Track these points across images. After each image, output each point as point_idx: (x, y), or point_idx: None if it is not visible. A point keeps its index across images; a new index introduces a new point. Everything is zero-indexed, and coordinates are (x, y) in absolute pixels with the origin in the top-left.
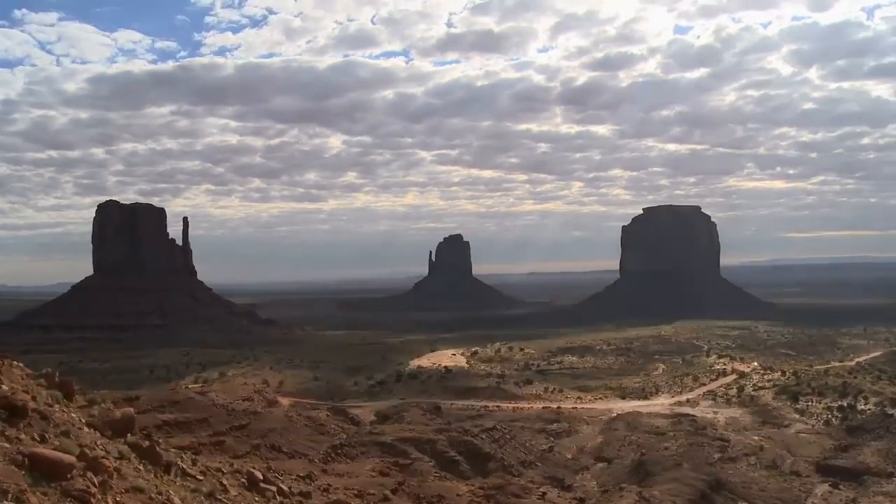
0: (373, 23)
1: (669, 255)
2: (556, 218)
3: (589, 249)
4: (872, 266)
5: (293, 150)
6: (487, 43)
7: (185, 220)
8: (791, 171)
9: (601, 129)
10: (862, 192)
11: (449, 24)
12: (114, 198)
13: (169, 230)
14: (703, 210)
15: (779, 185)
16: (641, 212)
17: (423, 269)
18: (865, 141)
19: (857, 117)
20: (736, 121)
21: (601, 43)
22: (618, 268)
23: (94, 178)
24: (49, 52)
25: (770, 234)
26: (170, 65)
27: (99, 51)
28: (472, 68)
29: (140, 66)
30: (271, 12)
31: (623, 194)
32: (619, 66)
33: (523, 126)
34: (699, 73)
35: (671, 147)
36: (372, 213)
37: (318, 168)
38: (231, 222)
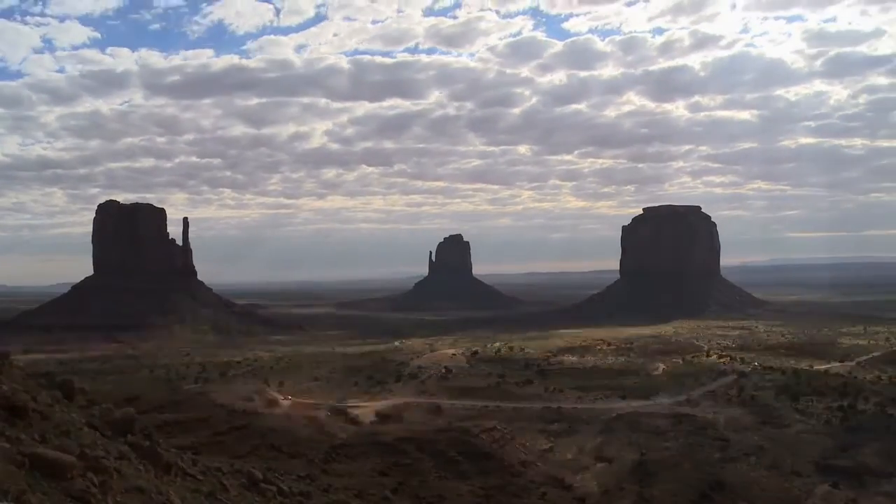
0: None
1: (669, 255)
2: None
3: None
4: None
5: None
6: None
7: (185, 220)
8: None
9: None
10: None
11: None
12: (114, 198)
13: (169, 230)
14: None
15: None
16: (641, 212)
17: (423, 269)
18: None
19: None
20: None
21: None
22: (618, 268)
23: None
24: None
25: (771, 234)
26: None
27: None
28: None
29: None
30: None
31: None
32: None
33: None
34: None
35: None
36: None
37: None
38: (228, 222)
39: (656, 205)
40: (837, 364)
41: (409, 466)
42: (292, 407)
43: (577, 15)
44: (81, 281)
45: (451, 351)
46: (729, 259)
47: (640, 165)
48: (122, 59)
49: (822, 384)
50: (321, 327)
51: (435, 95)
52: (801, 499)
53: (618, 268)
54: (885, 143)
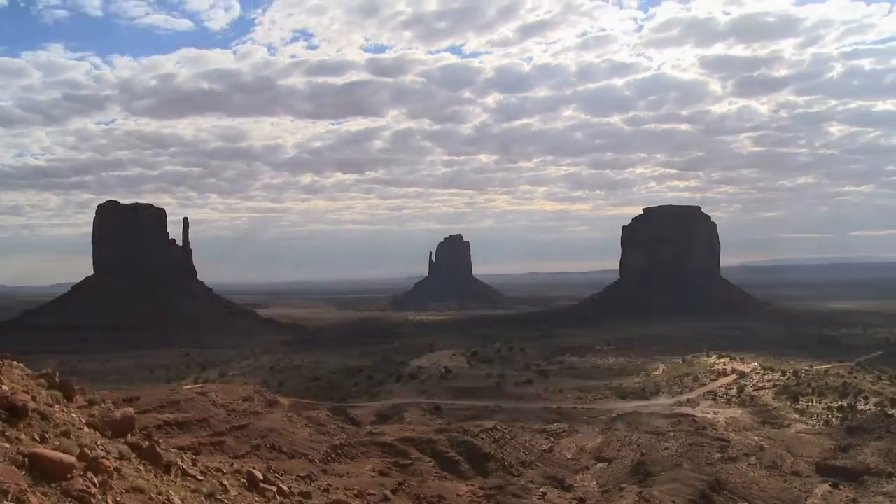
0: None
1: (669, 256)
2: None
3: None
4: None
5: None
6: None
7: (185, 220)
8: None
9: None
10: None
11: None
12: (113, 198)
13: (169, 230)
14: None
15: None
16: (642, 212)
17: (423, 270)
18: None
19: None
20: None
21: None
22: (618, 268)
23: None
24: None
25: (771, 234)
26: None
27: None
28: None
29: None
30: None
31: None
32: None
33: None
34: None
35: None
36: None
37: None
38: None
39: (656, 205)
40: (837, 364)
41: (409, 466)
42: (292, 407)
43: (490, 52)
44: (81, 281)
45: (451, 351)
46: (729, 259)
47: (606, 171)
48: None
49: (821, 384)
50: (321, 327)
51: (393, 113)
52: (800, 499)
53: (611, 268)
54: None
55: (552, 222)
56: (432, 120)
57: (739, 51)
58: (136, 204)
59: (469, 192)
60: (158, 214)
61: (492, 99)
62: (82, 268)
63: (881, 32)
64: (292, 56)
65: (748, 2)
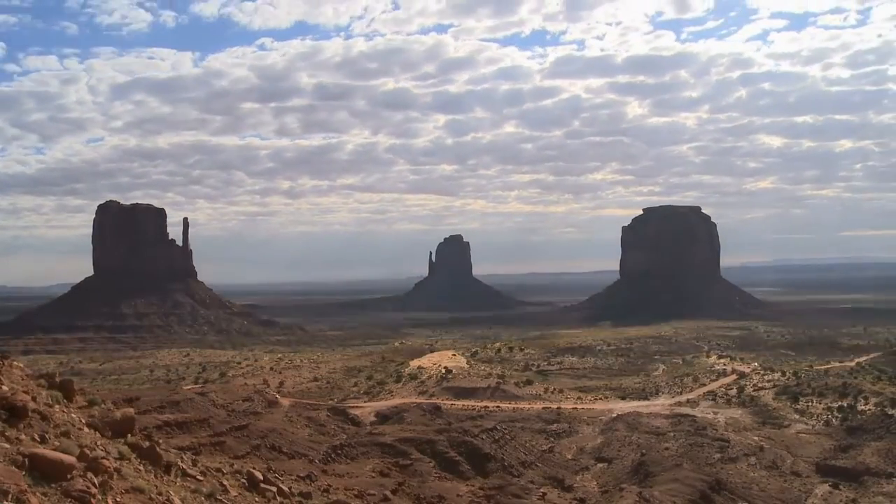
0: None
1: (669, 255)
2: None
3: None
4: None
5: None
6: None
7: (186, 220)
8: None
9: None
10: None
11: None
12: (114, 198)
13: (169, 230)
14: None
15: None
16: (642, 212)
17: (424, 270)
18: None
19: None
20: None
21: None
22: (618, 268)
23: None
24: None
25: (772, 234)
26: None
27: None
28: None
29: None
30: None
31: None
32: None
33: None
34: None
35: None
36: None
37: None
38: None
39: (656, 205)
40: (837, 364)
41: (409, 467)
42: (292, 407)
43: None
44: (81, 281)
45: (451, 351)
46: (729, 259)
47: (567, 178)
48: None
49: (822, 384)
50: (322, 328)
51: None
52: (800, 499)
53: (607, 268)
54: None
55: (538, 224)
56: (389, 135)
57: (642, 79)
58: (136, 204)
59: (444, 197)
60: (158, 214)
61: (439, 117)
62: (82, 268)
63: (761, 66)
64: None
65: (636, 42)
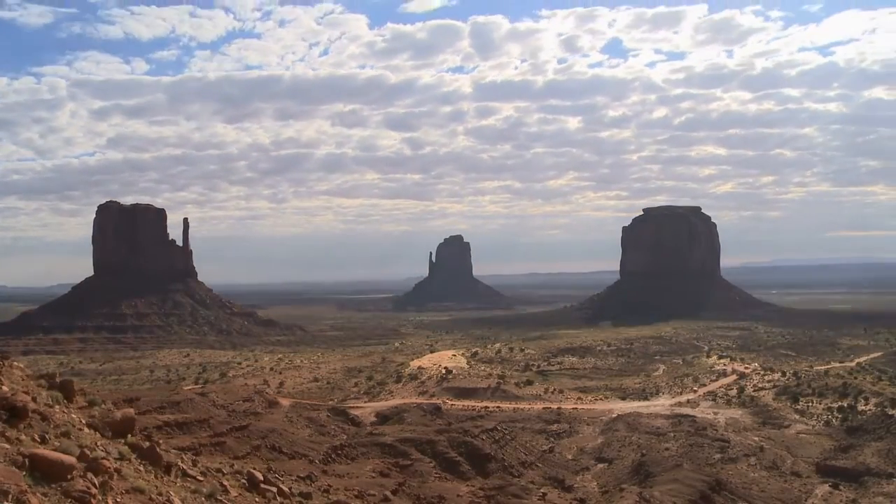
0: None
1: (669, 256)
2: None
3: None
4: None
5: None
6: None
7: (186, 220)
8: None
9: None
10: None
11: None
12: (114, 198)
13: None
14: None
15: None
16: (642, 212)
17: (424, 270)
18: None
19: None
20: None
21: None
22: (618, 268)
23: None
24: None
25: (771, 234)
26: None
27: None
28: None
29: None
30: None
31: None
32: None
33: None
34: None
35: None
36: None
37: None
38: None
39: (656, 205)
40: (837, 364)
41: (410, 467)
42: (292, 408)
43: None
44: (81, 281)
45: (451, 351)
46: (729, 259)
47: (536, 185)
48: None
49: (822, 385)
50: (322, 328)
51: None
52: (801, 499)
53: (618, 268)
54: None
55: (518, 225)
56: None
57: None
58: (136, 204)
59: (424, 202)
60: (158, 215)
61: (393, 133)
62: (82, 268)
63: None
64: None
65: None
